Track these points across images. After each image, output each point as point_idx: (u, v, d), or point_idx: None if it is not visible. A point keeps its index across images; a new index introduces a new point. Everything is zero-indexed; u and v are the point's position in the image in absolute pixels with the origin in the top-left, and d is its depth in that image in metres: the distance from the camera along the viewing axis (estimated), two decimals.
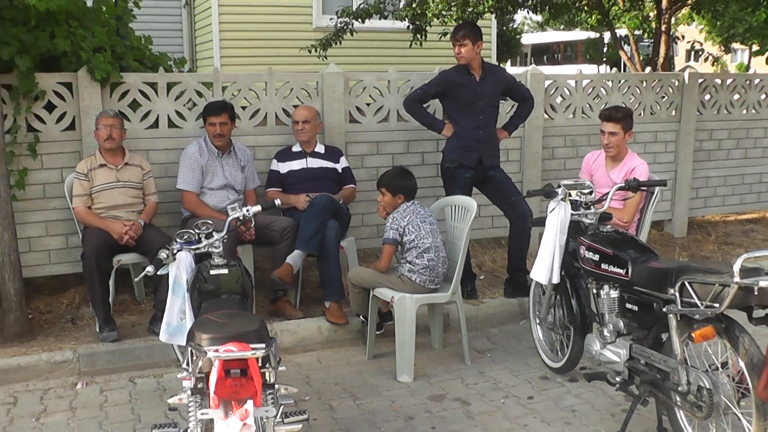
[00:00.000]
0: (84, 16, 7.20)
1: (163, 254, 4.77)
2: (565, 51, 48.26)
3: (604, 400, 5.68)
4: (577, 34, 41.18)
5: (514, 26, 45.10)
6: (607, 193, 5.75)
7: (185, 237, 4.86)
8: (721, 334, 4.28)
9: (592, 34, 30.92)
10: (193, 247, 4.84)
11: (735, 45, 27.73)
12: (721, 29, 24.14)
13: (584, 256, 5.47)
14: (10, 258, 6.50)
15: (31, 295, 7.24)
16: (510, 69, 21.95)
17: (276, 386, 3.76)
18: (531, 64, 15.37)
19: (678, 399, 4.53)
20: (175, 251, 4.82)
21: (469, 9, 10.77)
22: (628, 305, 5.10)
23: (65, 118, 7.11)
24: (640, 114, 9.68)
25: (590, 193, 5.70)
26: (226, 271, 4.68)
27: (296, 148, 7.55)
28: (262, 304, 7.22)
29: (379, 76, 8.37)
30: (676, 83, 9.97)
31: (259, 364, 3.54)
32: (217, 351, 3.46)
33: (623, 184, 5.90)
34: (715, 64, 16.90)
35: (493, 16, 13.99)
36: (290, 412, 3.86)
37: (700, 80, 10.14)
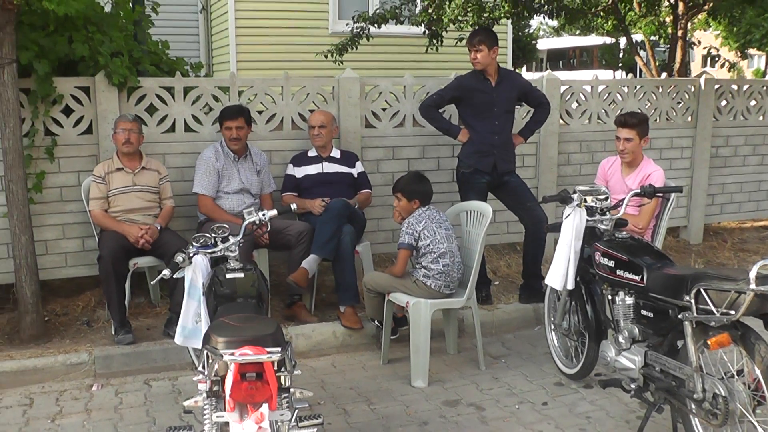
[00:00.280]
0: (102, 21, 7.24)
1: (179, 258, 4.78)
2: (581, 56, 48.17)
3: (619, 407, 5.67)
4: (593, 40, 41.08)
5: (530, 31, 45.04)
6: (623, 199, 5.74)
7: (201, 241, 4.88)
8: (737, 341, 4.27)
9: (608, 40, 30.88)
10: (209, 250, 4.85)
11: (751, 51, 27.63)
12: (738, 35, 24.07)
13: (599, 262, 5.47)
14: (27, 260, 6.53)
15: (47, 298, 7.28)
16: (526, 74, 21.96)
17: (291, 390, 3.77)
18: (546, 69, 15.37)
19: (693, 406, 4.52)
20: (191, 255, 4.82)
21: (485, 14, 10.81)
22: (644, 312, 5.09)
23: (82, 122, 7.15)
24: (656, 120, 9.66)
25: (606, 199, 5.69)
26: (242, 275, 4.69)
27: (312, 153, 7.57)
28: (278, 309, 7.23)
29: (394, 81, 8.38)
30: (693, 89, 9.94)
31: (275, 368, 3.55)
32: (233, 354, 3.47)
33: (639, 190, 5.88)
34: (732, 69, 16.87)
35: (509, 21, 14.01)
36: (305, 416, 3.88)
37: (716, 86, 10.10)
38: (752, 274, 3.96)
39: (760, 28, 22.06)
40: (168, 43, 8.47)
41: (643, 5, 14.30)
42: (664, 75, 11.61)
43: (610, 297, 5.41)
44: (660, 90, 9.73)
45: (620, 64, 33.73)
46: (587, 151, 9.31)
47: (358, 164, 7.70)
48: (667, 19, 15.50)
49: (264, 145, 7.69)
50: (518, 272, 8.05)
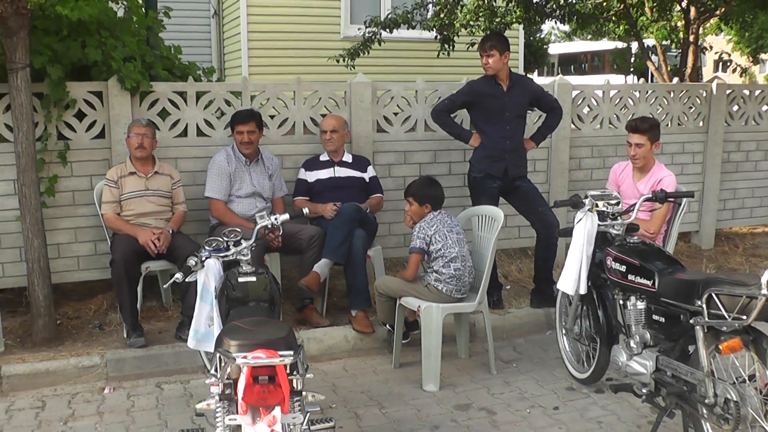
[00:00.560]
0: (115, 26, 7.29)
1: (191, 261, 4.79)
2: (593, 61, 48.16)
3: (631, 411, 5.66)
4: (605, 44, 41.08)
5: (542, 36, 45.02)
6: (634, 204, 5.74)
7: (214, 245, 4.88)
8: (749, 346, 4.27)
9: (620, 44, 30.83)
10: (222, 254, 4.86)
11: (763, 56, 27.59)
12: (750, 40, 24.04)
13: (611, 267, 5.47)
14: (39, 264, 6.56)
15: (59, 301, 7.31)
16: (537, 79, 21.95)
17: (303, 393, 3.78)
18: (558, 74, 15.37)
19: (705, 411, 4.51)
20: (203, 258, 4.83)
21: (497, 19, 10.82)
22: (655, 317, 5.09)
23: (95, 126, 7.19)
24: (667, 125, 9.65)
25: (617, 203, 5.69)
26: (254, 278, 4.70)
27: (324, 157, 7.58)
28: (289, 312, 7.25)
29: (406, 86, 8.40)
30: (704, 94, 9.93)
31: (287, 371, 3.56)
32: (245, 357, 3.48)
33: (650, 195, 5.88)
34: (743, 74, 16.83)
35: (521, 26, 14.00)
36: (317, 420, 3.89)
37: (728, 91, 10.09)
38: (764, 279, 3.97)
39: None
40: (180, 47, 8.51)
41: (654, 10, 14.27)
42: (675, 80, 11.61)
43: (621, 302, 5.41)
44: (672, 95, 9.72)
45: (632, 69, 33.68)
46: (599, 156, 9.31)
47: (370, 169, 7.71)
48: (679, 24, 15.44)
49: (276, 149, 7.71)
50: (529, 277, 8.05)
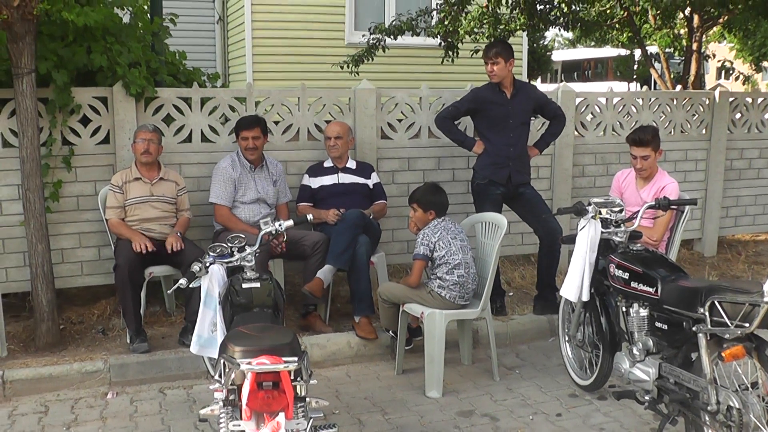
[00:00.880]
0: (120, 32, 7.31)
1: (196, 267, 4.81)
2: (596, 68, 48.05)
3: (633, 418, 5.67)
4: (608, 51, 40.96)
5: (545, 43, 44.98)
6: (638, 211, 5.75)
7: (218, 250, 4.91)
8: (751, 353, 4.27)
9: (623, 51, 30.80)
10: (226, 260, 4.89)
11: (766, 63, 27.58)
12: (753, 48, 24.05)
13: (614, 274, 5.48)
14: (43, 269, 6.57)
15: (63, 306, 7.33)
16: (540, 86, 21.95)
17: (307, 399, 3.79)
18: (561, 81, 15.37)
19: (707, 419, 4.52)
20: (207, 264, 4.85)
21: (501, 26, 10.83)
22: (658, 324, 5.09)
23: (100, 131, 7.20)
24: (670, 132, 9.66)
25: (620, 211, 5.70)
26: (258, 284, 4.72)
27: (328, 164, 7.60)
28: (293, 318, 7.25)
29: (410, 93, 8.40)
30: (707, 101, 9.93)
31: (291, 377, 3.58)
32: (250, 363, 3.50)
33: (654, 203, 5.89)
34: (746, 82, 16.83)
35: (525, 33, 14.02)
36: (320, 426, 3.90)
37: (731, 99, 10.10)
38: (766, 287, 3.97)
39: None
40: (185, 53, 8.53)
41: (658, 18, 14.30)
42: (678, 87, 11.62)
43: (624, 309, 5.42)
44: (675, 102, 9.73)
45: (635, 76, 33.65)
46: (602, 163, 9.31)
47: (374, 175, 7.72)
48: (682, 32, 15.48)
49: (280, 155, 7.72)
50: (532, 283, 8.05)
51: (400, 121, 8.31)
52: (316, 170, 7.60)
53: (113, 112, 7.17)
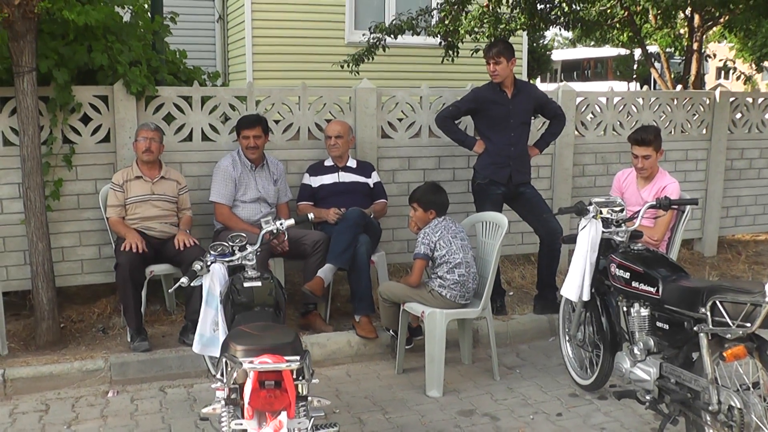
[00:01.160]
0: (121, 31, 7.31)
1: (197, 266, 4.81)
2: (596, 67, 48.02)
3: (634, 418, 5.67)
4: (608, 51, 40.94)
5: (545, 42, 44.94)
6: (638, 211, 5.76)
7: (219, 249, 4.91)
8: (753, 353, 4.28)
9: (623, 51, 30.80)
10: (227, 259, 4.89)
11: (767, 63, 27.58)
12: (753, 48, 24.03)
13: (615, 274, 5.48)
14: (43, 267, 6.58)
15: (63, 304, 7.33)
16: (540, 85, 21.96)
17: (309, 398, 3.79)
18: (561, 80, 15.37)
19: (708, 419, 4.52)
20: (209, 263, 4.86)
21: (501, 26, 10.81)
22: (659, 323, 5.09)
23: (100, 130, 7.20)
24: (670, 132, 9.66)
25: (621, 210, 5.71)
26: (259, 283, 4.71)
27: (328, 163, 7.60)
28: (293, 317, 7.25)
29: (411, 92, 8.40)
30: (708, 101, 9.93)
31: (294, 377, 3.58)
32: (252, 362, 3.50)
33: (654, 203, 5.90)
34: (747, 82, 16.83)
35: (525, 32, 14.00)
36: (321, 425, 3.89)
37: (731, 99, 10.10)
38: None
39: None
40: (185, 52, 8.52)
41: (659, 17, 14.29)
42: (679, 87, 11.61)
43: (625, 308, 5.42)
44: (675, 102, 9.73)
45: (635, 76, 33.62)
46: (602, 162, 9.32)
47: (374, 174, 7.72)
48: (683, 32, 15.49)
49: (281, 154, 7.72)
50: (533, 283, 8.06)
51: (400, 120, 8.31)
52: (317, 169, 7.60)
53: (114, 110, 7.17)
